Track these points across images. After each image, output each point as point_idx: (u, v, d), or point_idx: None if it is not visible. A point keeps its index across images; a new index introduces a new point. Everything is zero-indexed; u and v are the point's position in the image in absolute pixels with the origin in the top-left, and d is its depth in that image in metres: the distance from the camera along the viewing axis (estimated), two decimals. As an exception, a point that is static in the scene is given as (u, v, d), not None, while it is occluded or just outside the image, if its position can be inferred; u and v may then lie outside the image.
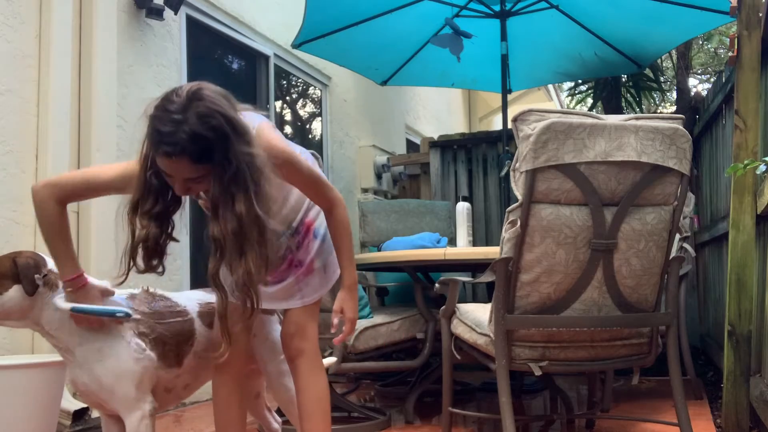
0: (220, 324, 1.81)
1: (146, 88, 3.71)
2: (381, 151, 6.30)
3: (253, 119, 1.85)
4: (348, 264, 2.02)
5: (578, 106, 7.23)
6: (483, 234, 5.49)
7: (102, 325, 1.93)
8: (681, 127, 2.20)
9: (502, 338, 2.23)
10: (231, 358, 2.05)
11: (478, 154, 5.61)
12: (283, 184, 1.93)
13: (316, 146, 5.63)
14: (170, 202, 1.78)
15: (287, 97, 5.55)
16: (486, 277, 2.26)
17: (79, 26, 3.31)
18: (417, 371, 3.66)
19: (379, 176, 6.07)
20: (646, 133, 2.14)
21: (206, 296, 2.27)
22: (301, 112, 5.81)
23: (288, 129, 5.54)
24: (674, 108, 5.99)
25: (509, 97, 5.11)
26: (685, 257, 2.87)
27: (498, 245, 2.27)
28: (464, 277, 2.71)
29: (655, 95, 7.43)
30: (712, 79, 8.74)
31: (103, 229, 3.28)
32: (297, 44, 4.70)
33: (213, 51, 4.51)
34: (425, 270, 3.71)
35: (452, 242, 4.05)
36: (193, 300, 2.22)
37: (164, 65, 3.87)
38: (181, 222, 1.86)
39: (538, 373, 2.27)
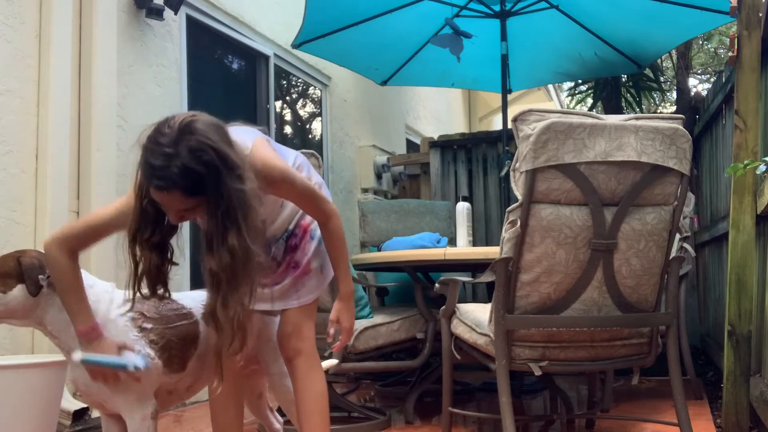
0: (215, 360, 1.81)
1: (146, 88, 3.72)
2: (381, 151, 6.30)
3: (247, 136, 1.86)
4: (344, 275, 2.05)
5: (578, 106, 7.23)
6: (483, 234, 5.49)
7: (118, 380, 1.91)
8: (681, 127, 2.20)
9: (502, 338, 2.23)
10: (230, 359, 2.06)
11: (478, 154, 5.61)
12: (277, 198, 1.96)
13: (316, 146, 5.63)
14: (167, 229, 1.78)
15: (287, 97, 5.55)
16: (486, 277, 2.26)
17: (79, 26, 3.31)
18: (417, 371, 3.66)
19: (379, 176, 6.07)
20: (646, 133, 2.14)
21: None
22: (301, 112, 5.81)
23: (288, 129, 5.54)
24: (674, 108, 5.99)
25: (509, 97, 5.11)
26: (685, 257, 2.87)
27: (498, 245, 2.27)
28: (464, 277, 2.71)
29: (655, 95, 7.43)
30: (712, 79, 8.74)
31: (103, 229, 3.28)
32: (297, 44, 4.70)
33: (213, 51, 4.51)
34: (425, 270, 3.70)
35: (452, 242, 4.05)
36: (197, 301, 2.22)
37: (164, 65, 3.87)
38: (180, 245, 1.87)
39: (538, 373, 2.27)
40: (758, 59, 2.72)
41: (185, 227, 1.92)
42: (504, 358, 2.24)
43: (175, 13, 3.83)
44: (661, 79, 6.78)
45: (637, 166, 2.15)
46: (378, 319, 3.21)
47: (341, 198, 5.79)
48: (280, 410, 2.62)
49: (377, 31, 4.89)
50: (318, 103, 5.75)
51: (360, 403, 3.80)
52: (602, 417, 3.10)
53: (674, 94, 6.23)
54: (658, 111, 9.33)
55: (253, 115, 4.81)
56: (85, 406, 2.97)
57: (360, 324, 3.09)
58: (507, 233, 2.20)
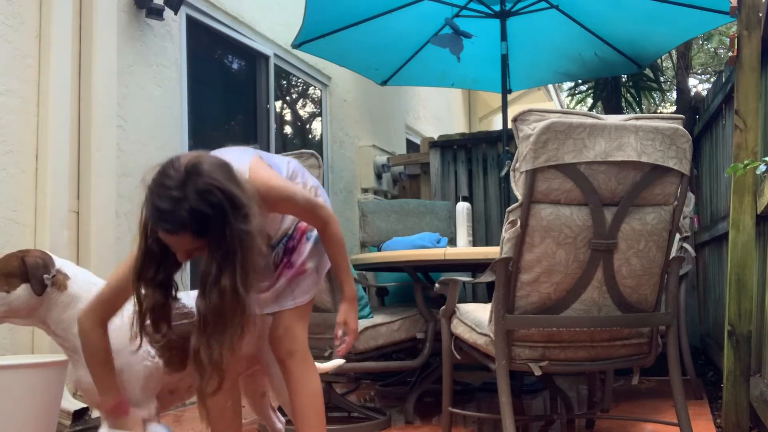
0: (198, 402, 1.80)
1: (146, 88, 3.72)
2: (381, 151, 6.30)
3: (242, 160, 1.87)
4: (347, 277, 2.08)
5: (578, 106, 7.23)
6: (483, 234, 5.49)
7: None
8: (681, 127, 2.20)
9: (502, 338, 2.23)
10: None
11: (478, 154, 5.61)
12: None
13: (316, 146, 5.63)
14: (172, 267, 1.78)
15: (287, 97, 5.55)
16: (486, 277, 2.26)
17: (79, 26, 3.31)
18: (417, 371, 3.66)
19: (379, 176, 6.07)
20: (646, 133, 2.14)
21: None
22: (301, 112, 5.81)
23: (288, 129, 5.54)
24: (674, 108, 5.99)
25: (509, 97, 5.11)
26: (685, 257, 2.87)
27: (498, 245, 2.27)
28: (464, 277, 2.71)
29: (655, 95, 7.43)
30: (712, 79, 8.74)
31: (103, 229, 3.28)
32: (297, 44, 4.70)
33: (213, 51, 4.51)
34: (425, 270, 3.70)
35: (452, 242, 4.05)
36: (195, 299, 2.22)
37: (164, 65, 3.87)
38: (183, 282, 1.88)
39: (538, 373, 2.27)
40: (758, 59, 2.72)
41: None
42: (504, 358, 2.24)
43: (175, 13, 3.83)
44: (661, 79, 6.78)
45: (637, 166, 2.15)
46: (378, 319, 3.21)
47: (341, 198, 5.79)
48: (281, 410, 2.62)
49: (377, 31, 4.88)
50: (318, 103, 5.75)
51: (360, 403, 3.80)
52: (602, 417, 3.10)
53: (674, 94, 6.23)
54: (658, 111, 9.33)
55: (253, 115, 4.81)
56: (85, 406, 2.97)
57: (360, 324, 3.09)
58: (507, 233, 2.20)
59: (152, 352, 2.04)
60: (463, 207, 3.48)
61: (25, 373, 2.39)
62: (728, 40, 4.62)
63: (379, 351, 3.22)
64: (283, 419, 2.51)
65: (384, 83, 5.49)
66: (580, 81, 6.22)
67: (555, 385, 3.32)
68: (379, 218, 4.41)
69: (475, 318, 2.42)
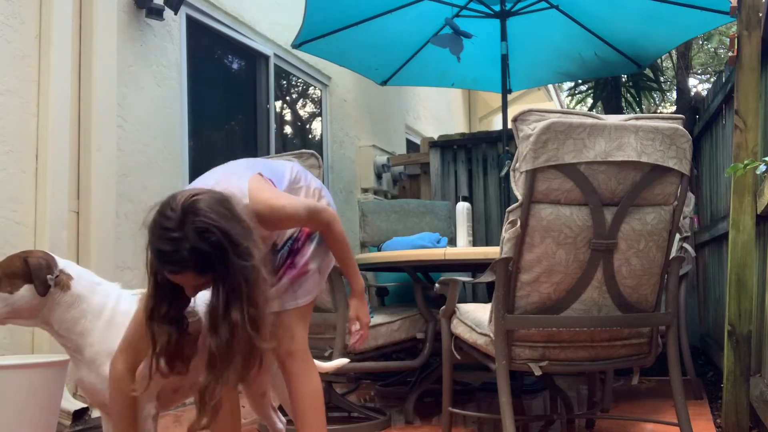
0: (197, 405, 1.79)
1: (146, 88, 3.71)
2: (381, 151, 6.30)
3: (242, 179, 1.88)
4: (353, 273, 2.10)
5: (578, 106, 7.23)
6: (483, 234, 5.49)
7: None
8: (681, 127, 2.20)
9: (502, 338, 2.23)
10: None
11: (478, 154, 5.61)
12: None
13: (316, 146, 5.63)
14: (182, 302, 1.80)
15: (287, 97, 5.55)
16: (486, 277, 2.26)
17: (79, 26, 3.31)
18: (417, 371, 3.66)
19: (379, 176, 6.07)
20: (646, 133, 2.14)
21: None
22: (301, 112, 5.81)
23: (288, 129, 5.54)
24: (674, 108, 5.99)
25: (509, 97, 5.11)
26: (685, 257, 2.87)
27: (498, 245, 2.27)
28: (464, 277, 2.71)
29: (655, 95, 7.43)
30: (712, 79, 8.74)
31: (103, 229, 3.28)
32: (297, 44, 4.70)
33: (213, 51, 4.51)
34: (425, 270, 3.70)
35: (452, 242, 4.05)
36: (200, 300, 2.23)
37: (164, 65, 3.87)
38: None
39: (538, 373, 2.27)
40: (758, 59, 2.72)
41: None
42: (504, 358, 2.24)
43: (175, 13, 3.83)
44: (661, 79, 6.78)
45: (637, 166, 2.15)
46: (378, 319, 3.21)
47: (341, 198, 5.79)
48: (282, 409, 2.62)
49: (377, 31, 4.88)
50: (318, 103, 5.75)
51: (360, 403, 3.80)
52: (602, 417, 3.10)
53: (674, 94, 6.23)
54: (658, 111, 9.33)
55: (253, 115, 4.82)
56: (85, 406, 2.97)
57: (360, 324, 3.09)
58: (507, 233, 2.20)
59: None
60: (463, 207, 3.48)
61: (25, 373, 2.39)
62: (728, 40, 4.63)
63: (379, 351, 3.22)
64: (284, 419, 2.51)
65: (384, 83, 5.49)
66: (580, 81, 6.22)
67: (555, 385, 3.32)
68: (379, 218, 4.41)
69: (475, 318, 2.42)
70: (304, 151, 3.12)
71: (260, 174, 1.95)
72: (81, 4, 3.32)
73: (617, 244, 2.18)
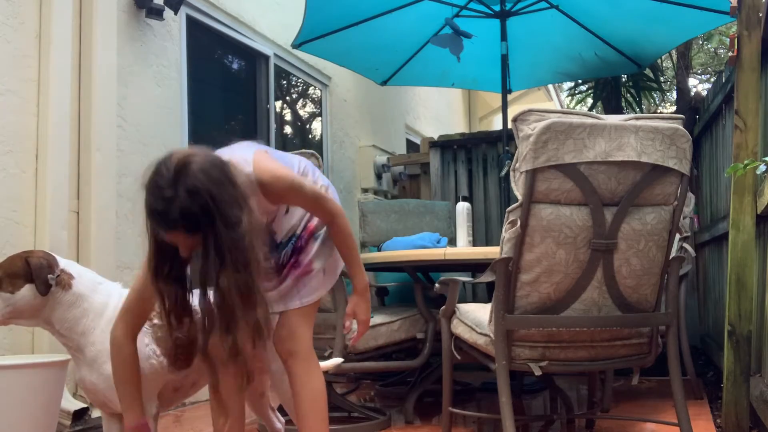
0: (211, 397, 1.81)
1: (146, 88, 3.71)
2: (381, 151, 6.30)
3: (247, 151, 1.89)
4: (357, 269, 2.07)
5: (578, 106, 7.23)
6: (483, 234, 5.49)
7: None
8: (681, 127, 2.20)
9: (502, 338, 2.23)
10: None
11: (478, 154, 5.61)
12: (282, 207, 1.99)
13: (316, 146, 5.63)
14: (183, 261, 1.82)
15: (287, 97, 5.55)
16: (486, 277, 2.26)
17: (79, 26, 3.31)
18: (417, 371, 3.66)
19: (379, 176, 6.07)
20: (646, 133, 2.14)
21: None
22: (301, 112, 5.81)
23: (288, 129, 5.54)
24: (674, 108, 5.99)
25: (509, 97, 5.11)
26: (685, 257, 2.87)
27: (498, 245, 2.27)
28: (464, 277, 2.71)
29: (655, 95, 7.43)
30: (712, 79, 8.74)
31: (103, 229, 3.28)
32: (297, 44, 4.70)
33: (213, 51, 4.50)
34: (425, 270, 3.70)
35: (452, 242, 4.05)
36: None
37: (164, 65, 3.87)
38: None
39: (538, 373, 2.27)
40: (758, 59, 2.72)
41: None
42: (504, 358, 2.24)
43: (175, 13, 3.83)
44: (661, 79, 6.78)
45: (637, 166, 2.15)
46: (378, 319, 3.21)
47: (341, 198, 5.74)
48: (281, 409, 2.62)
49: (377, 31, 4.88)
50: (318, 103, 5.75)
51: (360, 403, 3.80)
52: (602, 417, 3.10)
53: (674, 94, 6.23)
54: (658, 111, 9.32)
55: (253, 115, 4.82)
56: (85, 406, 2.97)
57: (360, 324, 3.09)
58: (507, 233, 2.20)
59: (157, 351, 2.04)
60: (463, 207, 3.48)
61: (25, 373, 2.39)
62: (728, 40, 4.63)
63: (379, 351, 3.22)
64: (282, 419, 2.51)
65: (384, 83, 5.49)
66: (580, 81, 6.22)
67: (555, 385, 3.32)
68: (379, 218, 4.41)
69: (475, 318, 2.42)
70: (304, 151, 3.12)
71: (266, 152, 1.96)
72: (81, 4, 3.32)
73: (617, 244, 2.18)
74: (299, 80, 5.53)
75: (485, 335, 2.32)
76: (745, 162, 1.97)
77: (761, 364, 2.65)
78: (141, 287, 1.89)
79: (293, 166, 2.06)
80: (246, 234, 1.71)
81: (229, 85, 4.69)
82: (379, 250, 3.84)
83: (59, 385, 2.51)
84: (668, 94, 7.73)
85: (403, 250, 3.42)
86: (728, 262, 2.71)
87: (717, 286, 4.01)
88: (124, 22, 3.58)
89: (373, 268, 3.76)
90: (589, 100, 6.47)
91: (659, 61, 6.44)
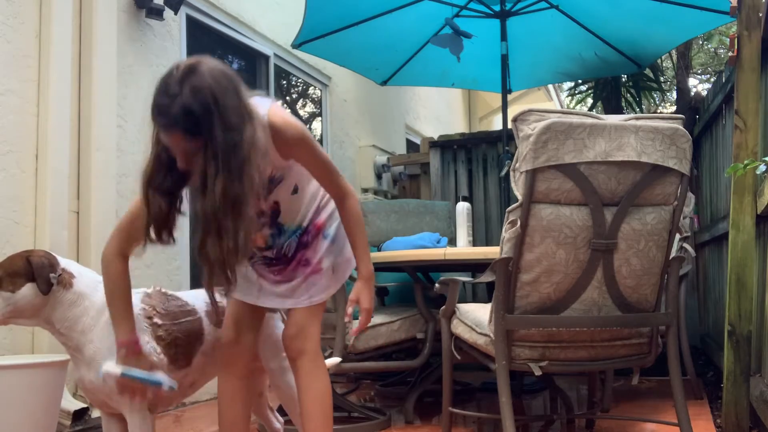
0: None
1: (146, 88, 3.71)
2: (381, 151, 6.30)
3: (264, 102, 1.89)
4: (363, 255, 2.03)
5: (578, 106, 7.23)
6: (483, 234, 5.49)
7: (144, 396, 1.96)
8: (681, 127, 2.20)
9: (502, 338, 2.23)
10: (237, 356, 2.06)
11: (478, 154, 5.61)
12: (294, 167, 1.96)
13: (316, 146, 5.62)
14: (179, 178, 1.82)
15: (287, 97, 5.55)
16: (486, 277, 2.26)
17: (79, 26, 3.31)
18: (417, 371, 3.66)
19: (379, 176, 6.07)
20: (646, 133, 2.14)
21: None
22: (301, 112, 5.81)
23: (288, 129, 5.53)
24: (674, 108, 6.00)
25: (509, 97, 5.11)
26: (685, 257, 2.87)
27: (498, 245, 2.27)
28: (464, 277, 2.71)
29: (655, 95, 7.44)
30: (712, 79, 8.74)
31: (103, 229, 3.28)
32: (297, 44, 4.70)
33: (213, 51, 4.50)
34: (425, 270, 3.70)
35: (452, 242, 4.05)
36: (200, 299, 2.24)
37: (164, 65, 3.86)
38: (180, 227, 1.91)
39: (538, 373, 2.27)
40: (758, 59, 2.72)
41: (184, 230, 1.94)
42: (504, 358, 2.24)
43: (175, 13, 3.83)
44: (661, 79, 6.78)
45: (637, 166, 2.15)
46: (378, 319, 3.21)
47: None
48: (280, 409, 2.62)
49: (377, 31, 4.88)
50: (318, 103, 5.75)
51: (360, 403, 3.80)
52: (602, 417, 3.10)
53: (674, 94, 6.23)
54: (658, 111, 9.33)
55: (253, 115, 4.81)
56: (85, 406, 2.97)
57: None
58: (507, 233, 2.19)
59: (157, 348, 2.05)
60: (463, 207, 3.48)
61: (25, 373, 2.39)
62: (728, 40, 4.62)
63: (379, 351, 3.22)
64: (281, 419, 2.51)
65: (384, 83, 5.48)
66: (580, 81, 6.22)
67: (555, 385, 3.32)
68: (379, 218, 4.41)
69: (475, 318, 2.42)
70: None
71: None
72: (81, 4, 3.32)
73: (617, 244, 2.18)
74: (299, 80, 5.53)
75: (485, 335, 2.32)
76: (745, 162, 1.97)
77: (761, 364, 2.65)
78: (136, 208, 1.90)
79: None
80: (246, 146, 1.72)
81: (229, 85, 4.68)
82: (379, 250, 3.84)
83: (59, 385, 2.51)
84: (668, 94, 7.74)
85: (403, 250, 3.42)
86: (728, 262, 2.71)
87: (717, 286, 4.01)
88: (124, 22, 3.58)
89: (373, 268, 3.75)
90: (589, 100, 6.47)
91: (659, 61, 6.44)
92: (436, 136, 5.92)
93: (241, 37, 4.57)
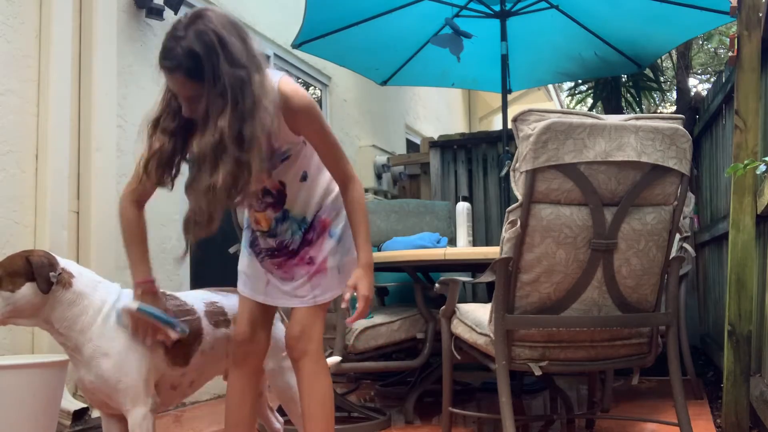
0: (187, 229, 1.83)
1: (146, 88, 3.71)
2: (381, 151, 6.30)
3: (276, 73, 1.92)
4: (364, 243, 2.01)
5: (578, 106, 7.23)
6: (483, 234, 5.49)
7: (154, 336, 2.00)
8: (681, 127, 2.20)
9: (502, 338, 2.23)
10: (252, 354, 2.07)
11: (478, 154, 5.61)
12: (303, 149, 1.97)
13: (316, 146, 5.62)
14: (186, 123, 1.84)
15: (287, 97, 5.54)
16: (486, 277, 2.26)
17: (79, 26, 3.31)
18: (417, 371, 3.66)
19: (379, 176, 6.07)
20: (646, 133, 2.14)
21: (211, 296, 2.28)
22: (301, 112, 5.80)
23: (288, 129, 5.53)
24: (674, 108, 6.00)
25: (509, 97, 5.11)
26: (685, 257, 2.87)
27: (498, 245, 2.27)
28: (464, 277, 2.71)
29: (655, 95, 7.43)
30: (712, 79, 8.74)
31: (103, 229, 3.28)
32: (297, 44, 4.70)
33: (213, 51, 4.50)
34: (425, 270, 3.70)
35: (452, 242, 4.05)
36: (198, 299, 2.24)
37: (164, 65, 3.87)
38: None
39: (538, 373, 2.27)
40: (758, 59, 2.72)
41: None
42: (504, 358, 2.24)
43: (175, 13, 3.82)
44: (661, 79, 6.78)
45: (637, 166, 2.15)
46: (378, 319, 3.21)
47: (341, 198, 5.77)
48: (280, 410, 2.62)
49: (377, 31, 4.88)
50: (318, 103, 5.74)
51: (360, 403, 3.80)
52: (602, 417, 3.10)
53: (674, 94, 6.23)
54: (658, 111, 9.32)
55: (253, 115, 4.81)
56: (85, 406, 2.97)
57: (360, 324, 3.09)
58: (507, 233, 2.19)
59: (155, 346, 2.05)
60: (463, 207, 3.48)
61: (25, 373, 2.39)
62: (728, 40, 4.63)
63: (379, 351, 3.22)
64: (281, 419, 2.51)
65: (384, 83, 5.48)
66: (580, 81, 6.22)
67: (555, 385, 3.32)
68: (379, 218, 4.41)
69: (475, 318, 2.42)
70: (304, 151, 3.11)
71: None
72: (81, 4, 3.32)
73: (617, 244, 2.18)
74: (299, 80, 5.54)
75: (485, 335, 2.32)
76: (745, 162, 1.97)
77: (761, 364, 2.65)
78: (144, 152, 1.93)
79: None
80: (255, 88, 1.74)
81: (229, 85, 4.69)
82: (379, 250, 3.84)
83: (59, 385, 2.51)
84: (668, 94, 7.73)
85: (403, 250, 3.41)
86: (728, 262, 2.71)
87: (717, 286, 4.01)
88: (124, 22, 3.58)
89: (372, 256, 3.75)
90: (589, 100, 6.47)
91: (659, 61, 6.44)
92: (436, 136, 5.92)
93: (241, 37, 4.57)
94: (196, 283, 3.87)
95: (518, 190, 2.16)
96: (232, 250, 2.99)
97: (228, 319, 2.25)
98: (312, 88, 5.70)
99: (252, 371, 2.10)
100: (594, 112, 3.82)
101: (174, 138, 1.85)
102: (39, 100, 3.09)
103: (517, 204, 2.17)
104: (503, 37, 4.57)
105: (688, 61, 6.38)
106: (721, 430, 2.77)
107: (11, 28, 3.01)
